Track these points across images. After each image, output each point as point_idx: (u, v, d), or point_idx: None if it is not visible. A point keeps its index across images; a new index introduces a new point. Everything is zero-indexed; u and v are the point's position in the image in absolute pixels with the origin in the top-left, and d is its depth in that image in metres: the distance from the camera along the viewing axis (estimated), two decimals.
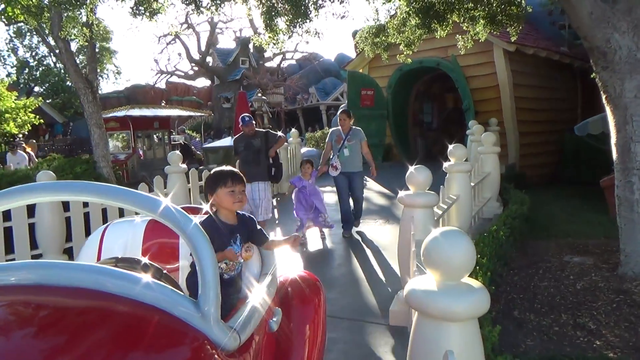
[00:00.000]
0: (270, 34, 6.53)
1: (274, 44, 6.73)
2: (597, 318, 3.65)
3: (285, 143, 8.71)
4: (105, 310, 1.33)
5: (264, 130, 6.38)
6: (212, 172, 2.22)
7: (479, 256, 3.93)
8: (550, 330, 3.54)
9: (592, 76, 5.52)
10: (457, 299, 1.64)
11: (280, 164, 6.20)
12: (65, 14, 6.77)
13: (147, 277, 1.43)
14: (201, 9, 6.00)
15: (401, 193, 3.63)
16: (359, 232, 6.34)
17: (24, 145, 11.20)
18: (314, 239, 6.08)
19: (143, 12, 5.78)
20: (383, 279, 4.61)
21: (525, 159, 10.82)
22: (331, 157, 6.13)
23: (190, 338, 1.37)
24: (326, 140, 6.55)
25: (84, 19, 7.11)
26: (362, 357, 3.19)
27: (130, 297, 1.35)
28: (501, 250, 4.65)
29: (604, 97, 4.58)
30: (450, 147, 5.27)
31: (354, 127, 6.19)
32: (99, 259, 2.21)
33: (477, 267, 3.67)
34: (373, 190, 9.13)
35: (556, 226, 6.71)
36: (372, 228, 6.55)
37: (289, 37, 6.72)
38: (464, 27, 7.81)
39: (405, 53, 8.21)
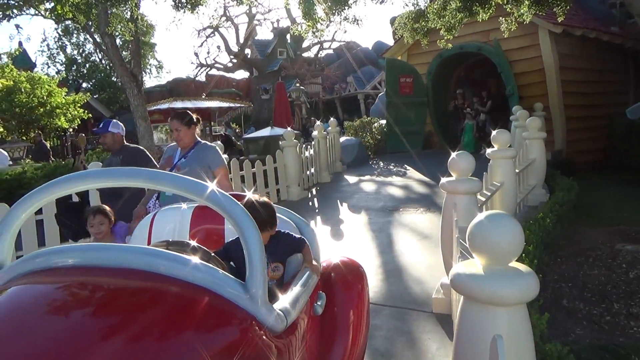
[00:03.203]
0: (309, 23, 6.53)
1: (313, 33, 6.73)
2: None
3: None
4: (157, 290, 1.37)
5: (132, 146, 4.38)
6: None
7: (524, 243, 3.84)
8: (602, 319, 3.42)
9: None
10: (504, 282, 1.61)
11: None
12: (111, 11, 7.00)
13: (197, 260, 1.46)
14: None
15: (443, 179, 3.58)
16: (399, 221, 6.28)
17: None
18: None
19: (185, 4, 5.90)
20: (425, 267, 4.57)
21: (573, 145, 10.40)
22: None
23: (239, 319, 1.40)
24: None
25: (129, 14, 7.32)
26: (405, 343, 3.19)
27: (181, 278, 1.39)
28: (548, 238, 4.52)
29: None
30: (494, 133, 5.14)
31: (202, 142, 3.67)
32: (149, 243, 2.29)
33: (523, 255, 3.58)
34: (413, 179, 9.02)
35: (606, 213, 6.43)
36: (413, 216, 6.49)
37: (327, 26, 6.71)
38: (508, 9, 7.56)
39: (445, 38, 8.04)
